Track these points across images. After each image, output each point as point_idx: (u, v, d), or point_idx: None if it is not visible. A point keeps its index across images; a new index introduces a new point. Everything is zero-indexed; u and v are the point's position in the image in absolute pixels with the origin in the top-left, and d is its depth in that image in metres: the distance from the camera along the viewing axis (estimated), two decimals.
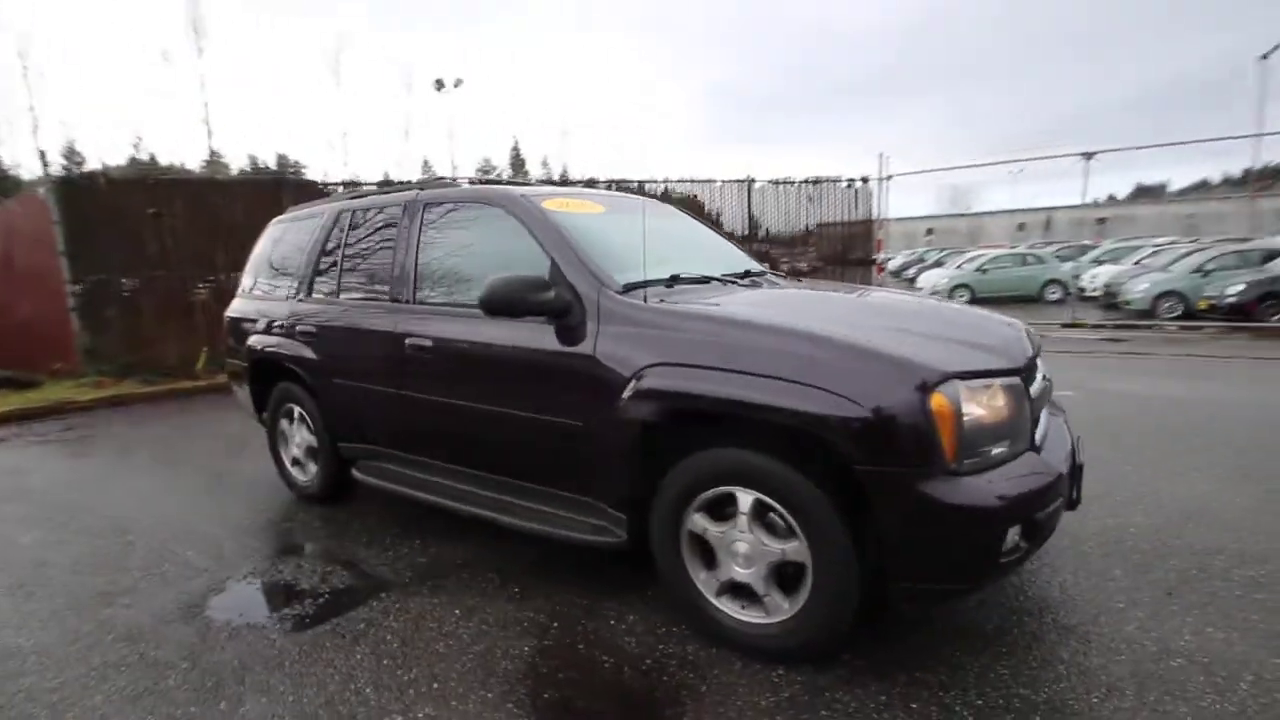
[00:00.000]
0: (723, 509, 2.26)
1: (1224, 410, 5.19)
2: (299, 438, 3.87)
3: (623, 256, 2.73)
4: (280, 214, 4.30)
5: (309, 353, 3.57)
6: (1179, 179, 59.89)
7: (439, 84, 32.39)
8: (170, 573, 3.05)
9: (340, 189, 9.13)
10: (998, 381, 2.01)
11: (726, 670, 2.18)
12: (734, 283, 2.94)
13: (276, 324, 3.83)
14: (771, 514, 2.15)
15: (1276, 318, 10.01)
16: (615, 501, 2.51)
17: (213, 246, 8.08)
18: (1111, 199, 50.16)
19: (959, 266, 18.27)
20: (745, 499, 2.17)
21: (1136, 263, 15.59)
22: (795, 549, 2.10)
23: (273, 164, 44.75)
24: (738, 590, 2.27)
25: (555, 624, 2.51)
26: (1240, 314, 10.30)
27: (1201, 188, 53.48)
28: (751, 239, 11.12)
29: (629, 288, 2.54)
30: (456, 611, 2.62)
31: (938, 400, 1.86)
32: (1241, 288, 10.48)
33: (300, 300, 3.73)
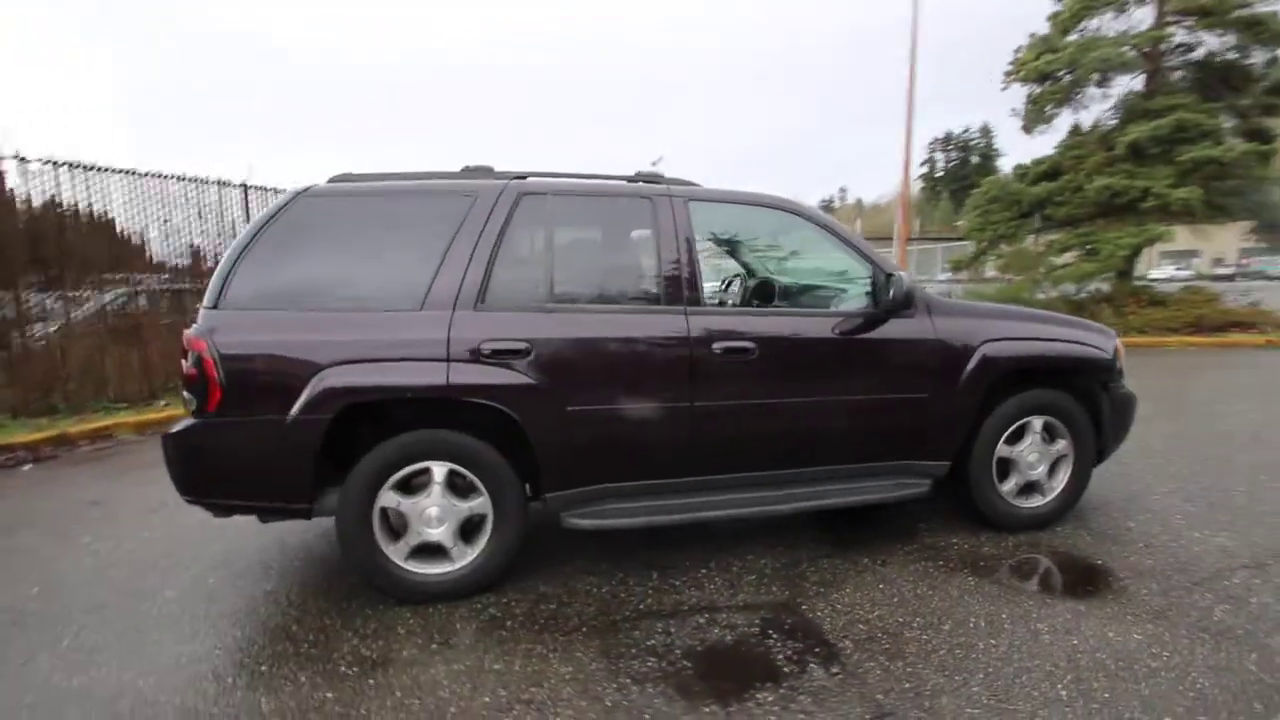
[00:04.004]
0: (1014, 436, 3.30)
1: None
2: (436, 510, 2.68)
3: None
4: None
5: (521, 378, 2.64)
6: None
7: None
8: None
9: None
10: None
11: (1039, 539, 3.23)
12: None
13: (421, 345, 2.58)
14: (1045, 429, 3.33)
15: None
16: (938, 453, 3.18)
17: None
18: None
19: None
20: (1037, 423, 3.29)
21: None
22: (1062, 448, 3.35)
23: None
24: (1027, 488, 3.34)
25: (941, 562, 3.01)
26: None
27: None
28: None
29: None
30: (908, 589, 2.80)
31: (1118, 345, 3.46)
32: None
33: (473, 311, 2.64)
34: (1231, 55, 11.95)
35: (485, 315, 2.67)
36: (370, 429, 2.66)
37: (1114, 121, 12.98)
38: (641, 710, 2.03)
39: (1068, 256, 12.69)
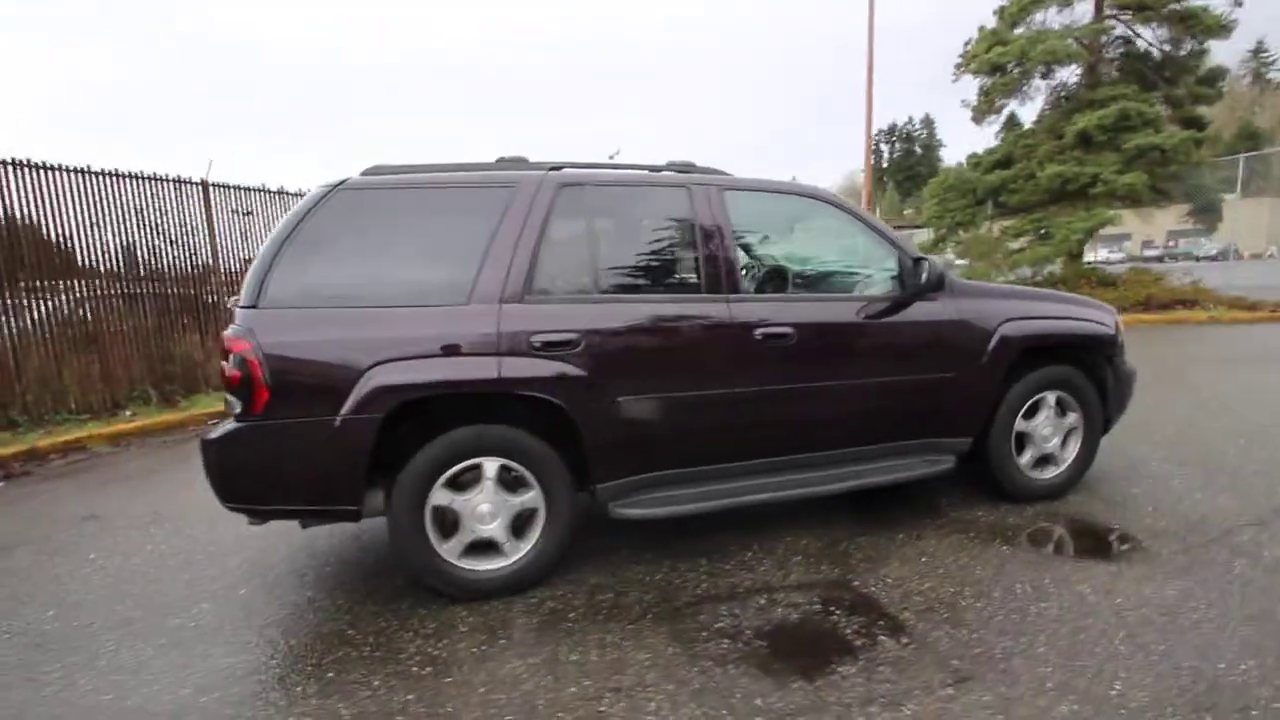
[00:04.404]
0: (1029, 410, 3.44)
1: None
2: (488, 506, 2.64)
3: None
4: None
5: (571, 370, 2.62)
6: None
7: None
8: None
9: None
10: None
11: (1055, 508, 3.39)
12: None
13: (472, 339, 2.53)
14: (1057, 404, 3.48)
15: None
16: (963, 429, 3.30)
17: None
18: None
19: None
20: (1051, 397, 3.44)
21: None
22: (1073, 421, 3.51)
23: None
24: (1042, 460, 3.49)
25: (972, 534, 3.13)
26: None
27: None
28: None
29: None
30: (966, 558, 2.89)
31: (1119, 321, 3.64)
32: None
33: (521, 303, 2.61)
34: (1166, 47, 12.66)
35: (533, 307, 2.64)
36: (412, 427, 2.60)
37: (1048, 110, 13.63)
38: (730, 690, 2.05)
39: (1022, 241, 13.25)
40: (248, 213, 8.85)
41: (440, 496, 2.60)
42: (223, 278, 8.60)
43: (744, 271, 4.10)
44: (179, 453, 5.62)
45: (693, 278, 2.88)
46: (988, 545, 3.00)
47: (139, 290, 7.77)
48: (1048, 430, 3.46)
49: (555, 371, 2.61)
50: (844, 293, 3.31)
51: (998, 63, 12.91)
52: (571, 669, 2.20)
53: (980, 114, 14.76)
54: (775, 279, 3.80)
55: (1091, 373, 3.54)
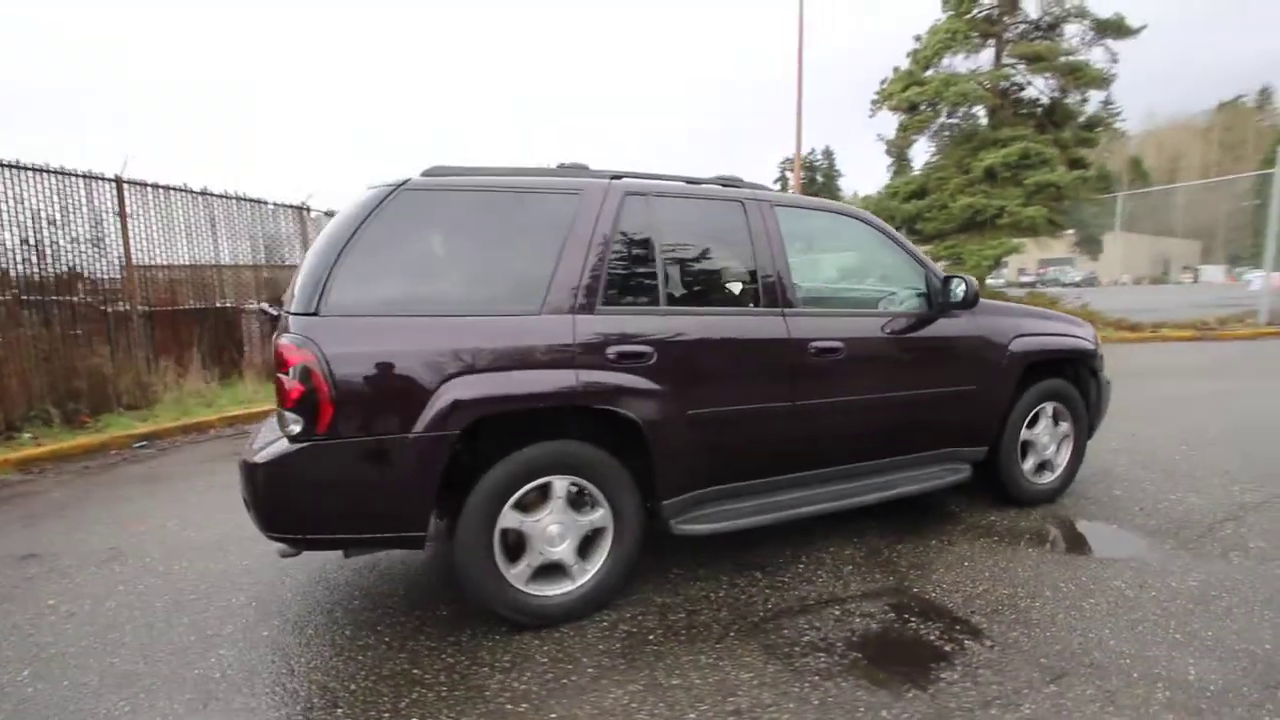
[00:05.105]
0: (1031, 420, 3.69)
1: None
2: (557, 527, 2.51)
3: None
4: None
5: (644, 382, 2.54)
6: None
7: None
8: None
9: None
10: None
11: (1057, 511, 3.64)
12: None
13: (548, 351, 2.40)
14: (1053, 414, 3.76)
15: None
16: (981, 439, 3.49)
17: None
18: None
19: None
20: (1049, 408, 3.71)
21: None
22: (1065, 429, 3.80)
23: None
24: (1040, 467, 3.74)
25: (995, 538, 3.30)
26: None
27: None
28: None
29: None
30: (991, 563, 3.01)
31: (1097, 337, 3.99)
32: None
33: (593, 314, 2.51)
34: (1055, 95, 14.15)
35: (605, 318, 2.55)
36: (474, 444, 2.44)
37: (939, 148, 14.94)
38: (853, 704, 2.04)
39: (938, 265, 14.28)
40: (118, 214, 8.00)
41: (510, 519, 2.44)
42: (136, 284, 7.77)
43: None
44: (107, 479, 4.98)
45: (750, 291, 2.89)
46: (1015, 548, 3.17)
47: (39, 297, 6.87)
48: (1046, 438, 3.72)
49: (631, 384, 2.53)
50: (882, 308, 3.42)
51: (914, 101, 13.95)
52: (679, 694, 2.12)
53: (896, 147, 15.90)
54: (819, 294, 3.87)
55: (1078, 384, 3.85)
